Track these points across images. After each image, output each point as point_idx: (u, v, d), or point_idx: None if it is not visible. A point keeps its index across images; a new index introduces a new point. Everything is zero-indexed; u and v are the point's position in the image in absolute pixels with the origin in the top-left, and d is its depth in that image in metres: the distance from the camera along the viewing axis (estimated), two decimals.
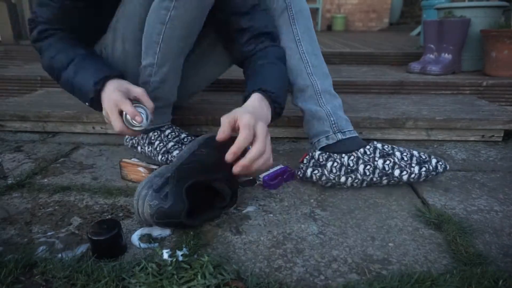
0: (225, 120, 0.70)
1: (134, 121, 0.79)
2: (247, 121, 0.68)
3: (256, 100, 0.79)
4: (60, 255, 0.62)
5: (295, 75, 0.95)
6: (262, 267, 0.60)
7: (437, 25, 1.71)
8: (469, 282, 0.55)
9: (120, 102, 0.78)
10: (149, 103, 0.82)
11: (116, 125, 0.79)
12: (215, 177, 0.72)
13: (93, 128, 1.26)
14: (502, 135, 1.18)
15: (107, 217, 0.75)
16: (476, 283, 0.55)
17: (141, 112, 0.80)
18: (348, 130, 0.90)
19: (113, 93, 0.80)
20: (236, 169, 0.67)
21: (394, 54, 2.06)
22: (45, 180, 0.92)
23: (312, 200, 0.82)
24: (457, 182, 0.90)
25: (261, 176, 0.89)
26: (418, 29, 3.51)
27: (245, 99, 0.81)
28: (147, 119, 0.81)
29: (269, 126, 1.19)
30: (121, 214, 0.76)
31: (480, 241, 0.67)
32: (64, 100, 1.39)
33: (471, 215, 0.75)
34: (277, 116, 0.84)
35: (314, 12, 5.04)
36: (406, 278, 0.56)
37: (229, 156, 0.67)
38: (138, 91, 0.82)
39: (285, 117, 1.19)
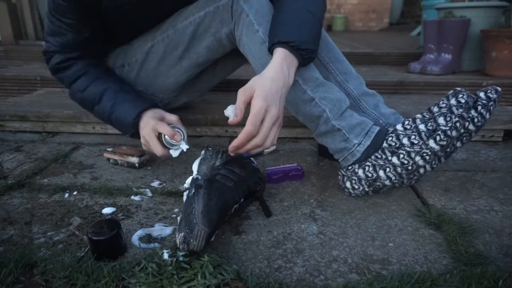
0: (241, 98, 0.67)
1: (173, 141, 0.84)
2: (257, 111, 0.64)
3: (278, 61, 0.72)
4: (60, 255, 0.62)
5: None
6: (262, 267, 0.60)
7: (437, 25, 1.71)
8: (469, 282, 0.55)
9: (157, 125, 0.83)
10: (183, 127, 0.87)
11: (157, 149, 0.84)
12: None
13: (93, 128, 1.26)
14: (502, 135, 1.18)
15: (107, 217, 0.75)
16: (476, 283, 0.55)
17: (178, 131, 0.84)
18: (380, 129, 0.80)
19: (150, 120, 0.86)
20: (230, 150, 0.67)
21: (394, 54, 2.06)
22: (45, 180, 0.92)
23: (312, 200, 0.82)
24: (457, 182, 0.90)
25: (266, 169, 0.91)
26: (418, 29, 3.51)
27: (269, 50, 0.77)
28: (184, 138, 0.85)
29: None
30: (121, 214, 0.76)
31: (480, 241, 0.67)
32: (64, 100, 1.39)
33: (471, 215, 0.75)
34: (310, 60, 0.78)
35: None
36: (406, 278, 0.56)
37: (231, 149, 0.67)
38: (172, 118, 0.88)
39: (285, 117, 1.19)
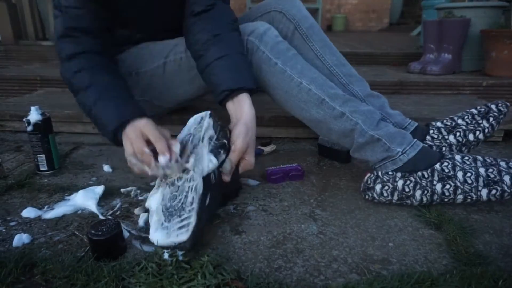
0: (236, 158, 0.74)
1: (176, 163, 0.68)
2: (240, 148, 0.73)
3: (246, 105, 0.80)
4: (60, 255, 0.62)
5: None
6: (262, 267, 0.60)
7: (437, 25, 1.71)
8: (469, 282, 0.55)
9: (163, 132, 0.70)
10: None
11: (151, 162, 0.68)
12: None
13: (93, 128, 1.25)
14: (502, 135, 1.18)
15: (107, 217, 0.75)
16: (476, 283, 0.55)
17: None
18: (410, 146, 0.77)
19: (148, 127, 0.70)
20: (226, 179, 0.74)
21: (394, 54, 2.06)
22: (45, 180, 0.92)
23: (312, 200, 0.82)
24: None
25: (266, 168, 0.92)
26: (418, 29, 3.51)
27: (224, 99, 0.82)
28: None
29: (268, 126, 1.20)
30: (121, 214, 0.76)
31: (480, 241, 0.67)
32: (64, 100, 1.39)
33: (471, 215, 0.75)
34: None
35: (314, 12, 5.03)
36: (406, 278, 0.56)
37: (226, 178, 0.74)
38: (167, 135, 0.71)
39: (285, 117, 1.19)
